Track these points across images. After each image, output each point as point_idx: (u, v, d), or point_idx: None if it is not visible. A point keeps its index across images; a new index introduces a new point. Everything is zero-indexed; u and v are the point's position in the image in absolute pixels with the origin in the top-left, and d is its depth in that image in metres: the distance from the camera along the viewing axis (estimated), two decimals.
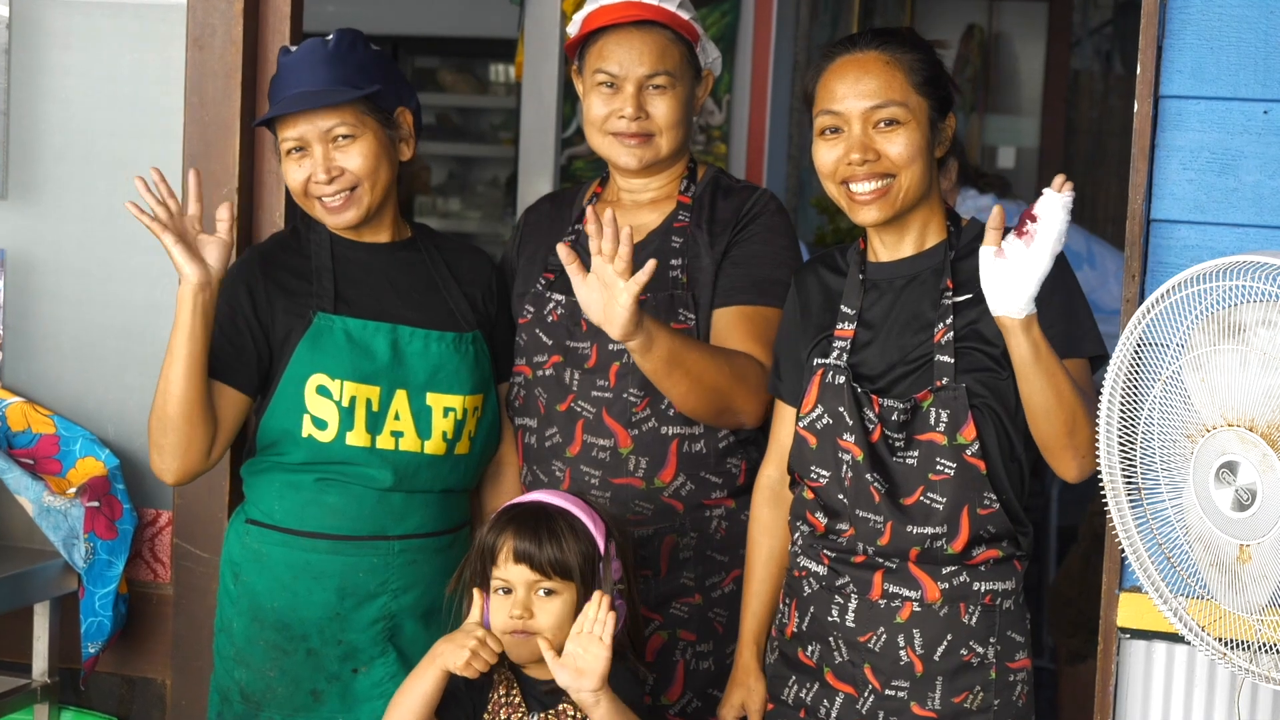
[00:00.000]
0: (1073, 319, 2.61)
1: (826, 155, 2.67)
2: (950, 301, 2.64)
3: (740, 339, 2.90)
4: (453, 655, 2.61)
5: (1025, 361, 2.46)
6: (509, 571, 2.66)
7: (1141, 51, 2.66)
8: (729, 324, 2.93)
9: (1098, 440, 2.41)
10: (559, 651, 2.61)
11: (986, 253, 2.41)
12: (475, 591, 2.69)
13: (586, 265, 2.69)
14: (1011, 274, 2.38)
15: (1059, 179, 2.39)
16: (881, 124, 2.63)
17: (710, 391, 2.82)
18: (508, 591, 2.67)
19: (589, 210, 2.66)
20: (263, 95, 3.23)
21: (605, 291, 2.62)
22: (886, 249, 2.73)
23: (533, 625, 2.64)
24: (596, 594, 2.62)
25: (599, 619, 2.59)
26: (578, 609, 2.66)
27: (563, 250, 2.65)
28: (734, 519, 2.98)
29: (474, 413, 2.98)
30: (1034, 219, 2.37)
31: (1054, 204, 2.37)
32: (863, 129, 2.63)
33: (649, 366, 2.75)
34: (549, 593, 2.66)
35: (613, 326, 2.63)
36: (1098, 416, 2.41)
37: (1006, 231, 2.42)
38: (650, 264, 2.59)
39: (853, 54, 2.67)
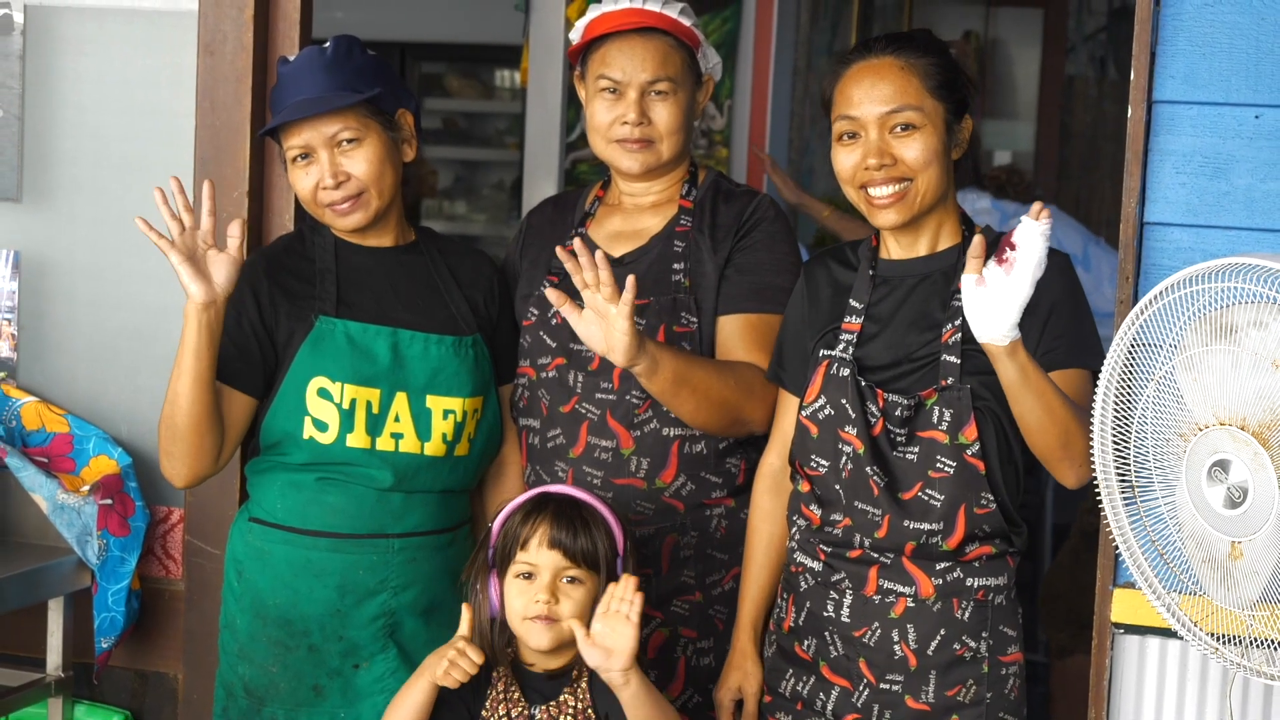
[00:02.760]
0: (1080, 330, 2.61)
1: (845, 161, 2.67)
2: (960, 304, 2.63)
3: (745, 347, 2.91)
4: (435, 666, 2.63)
5: (1014, 384, 2.45)
6: (539, 557, 2.66)
7: (1135, 57, 2.66)
8: (734, 332, 2.93)
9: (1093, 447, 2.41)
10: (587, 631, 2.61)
11: (968, 281, 2.40)
12: (465, 606, 2.68)
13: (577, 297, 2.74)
14: (993, 301, 2.37)
15: (1036, 206, 2.37)
16: (897, 128, 2.63)
17: (719, 406, 2.82)
18: (529, 577, 2.66)
19: (559, 250, 2.66)
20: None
21: (601, 321, 2.63)
22: (901, 248, 2.74)
23: (558, 611, 2.64)
24: (624, 576, 2.62)
25: (627, 598, 2.59)
26: (595, 600, 2.67)
27: (552, 294, 2.66)
28: (734, 518, 2.98)
29: (473, 415, 2.98)
30: (1013, 246, 2.36)
31: (1032, 232, 2.35)
32: (879, 134, 2.63)
33: (656, 388, 2.75)
34: (573, 580, 2.66)
35: (616, 353, 2.64)
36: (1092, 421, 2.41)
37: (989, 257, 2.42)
38: (630, 279, 2.60)
39: (868, 60, 2.67)
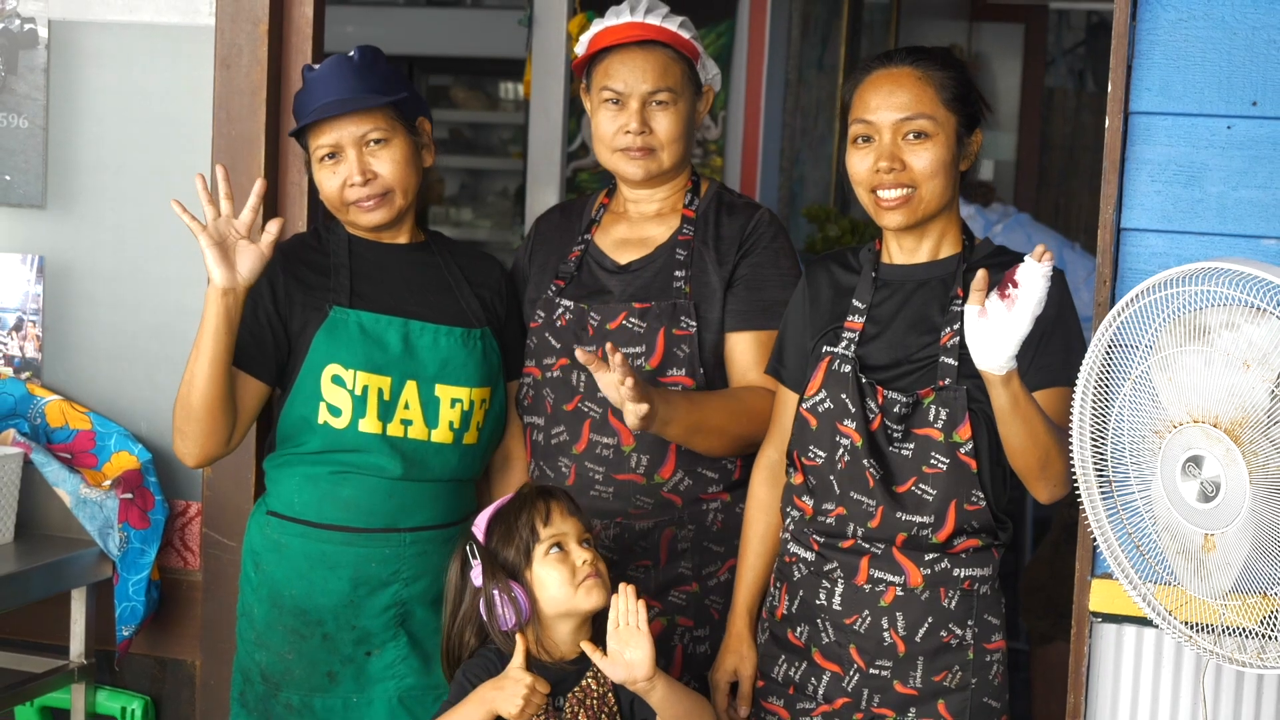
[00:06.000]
0: (1070, 351, 2.61)
1: (859, 164, 2.68)
2: (959, 309, 2.63)
3: (757, 365, 2.93)
4: (505, 703, 2.56)
5: (1004, 410, 2.47)
6: (565, 525, 2.66)
7: (1112, 70, 2.66)
8: (745, 350, 2.95)
9: (1072, 469, 2.41)
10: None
11: (971, 311, 2.40)
12: (519, 637, 2.63)
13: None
14: (993, 333, 2.38)
15: (1040, 249, 2.37)
16: (910, 136, 2.64)
17: (733, 439, 2.88)
18: (560, 548, 2.65)
19: (578, 353, 2.68)
20: (286, 112, 3.23)
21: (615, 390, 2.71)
22: (903, 253, 2.74)
23: (601, 567, 2.65)
24: (623, 586, 2.60)
25: (632, 609, 2.57)
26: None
27: (581, 354, 2.69)
28: (729, 512, 2.98)
29: (481, 405, 2.98)
30: (1015, 284, 2.36)
31: (1034, 272, 2.35)
32: (892, 139, 2.64)
33: (673, 438, 2.83)
34: (589, 544, 2.67)
35: (629, 421, 2.70)
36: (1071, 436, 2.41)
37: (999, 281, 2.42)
38: (631, 381, 2.63)
39: (887, 69, 2.67)
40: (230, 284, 2.72)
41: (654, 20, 2.97)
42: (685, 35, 2.99)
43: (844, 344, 2.71)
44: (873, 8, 7.86)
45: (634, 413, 2.66)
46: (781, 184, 6.87)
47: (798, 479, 2.75)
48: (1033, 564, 4.78)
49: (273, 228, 2.75)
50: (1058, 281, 2.61)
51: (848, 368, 2.68)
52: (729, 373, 2.97)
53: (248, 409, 2.89)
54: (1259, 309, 2.21)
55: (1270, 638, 2.26)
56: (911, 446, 2.63)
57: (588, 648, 2.60)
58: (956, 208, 2.74)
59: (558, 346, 2.99)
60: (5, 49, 3.43)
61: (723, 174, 6.37)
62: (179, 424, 2.83)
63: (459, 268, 3.06)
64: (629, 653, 2.56)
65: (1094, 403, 2.37)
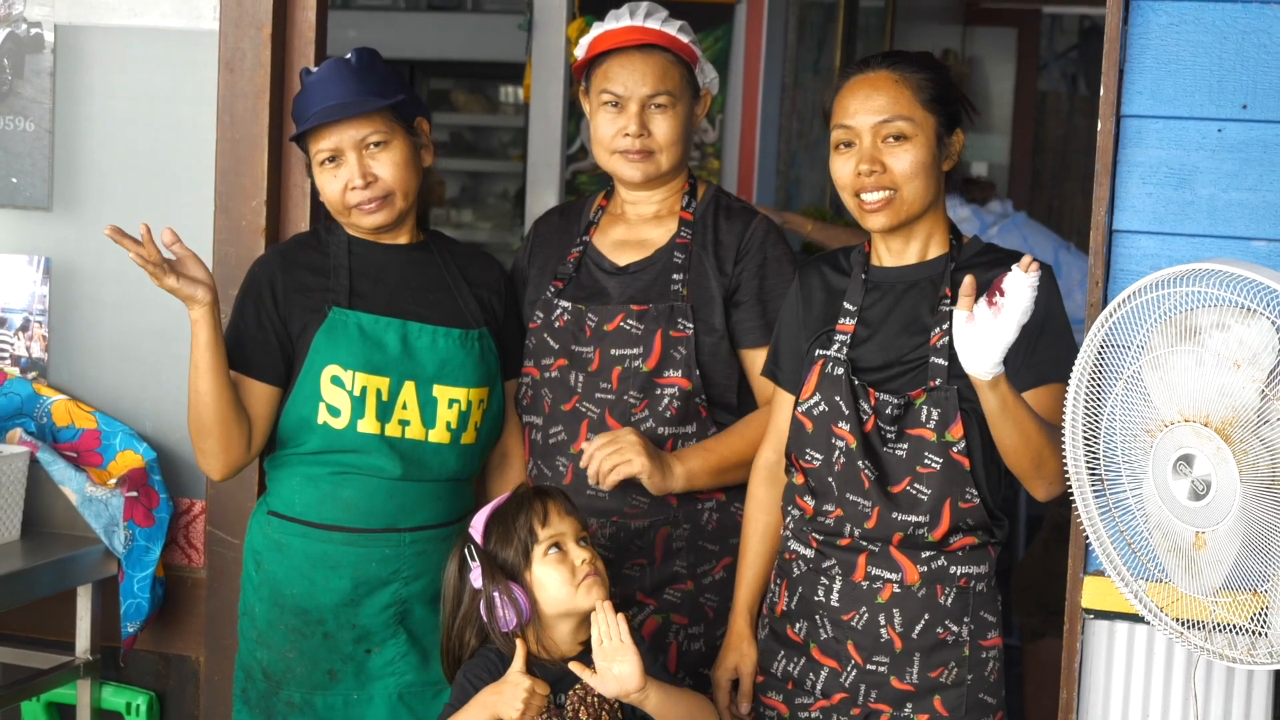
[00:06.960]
0: (1061, 347, 2.61)
1: (842, 169, 2.68)
2: (948, 309, 2.63)
3: None
4: (506, 707, 2.55)
5: (994, 413, 2.47)
6: (564, 525, 2.65)
7: (1104, 74, 2.66)
8: (759, 364, 2.95)
9: (1065, 467, 2.41)
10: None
11: (959, 316, 2.41)
12: (518, 641, 2.62)
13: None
14: (981, 338, 2.38)
15: (1026, 259, 2.38)
16: (890, 138, 2.64)
17: (749, 466, 2.91)
18: (559, 548, 2.64)
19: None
20: (289, 115, 3.23)
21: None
22: (891, 255, 2.74)
23: (600, 565, 2.64)
24: (600, 603, 2.59)
25: (612, 622, 2.56)
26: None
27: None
28: (724, 511, 2.98)
29: (479, 405, 2.98)
30: (1003, 293, 2.36)
31: (1021, 282, 2.35)
32: (872, 142, 2.64)
33: (704, 485, 2.91)
34: (586, 542, 2.67)
35: (649, 489, 2.84)
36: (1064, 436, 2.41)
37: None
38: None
39: (865, 74, 2.68)
40: (210, 294, 2.74)
41: (654, 24, 2.97)
42: (684, 39, 2.99)
43: (836, 347, 2.71)
44: (868, 12, 7.86)
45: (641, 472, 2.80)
46: (778, 186, 6.87)
47: (799, 479, 2.75)
48: (1025, 562, 4.78)
49: (166, 237, 2.72)
50: (1047, 279, 2.61)
51: (840, 370, 2.68)
52: (752, 387, 2.98)
53: (261, 414, 2.89)
54: (1249, 310, 2.21)
55: (1260, 634, 2.27)
56: (905, 447, 2.63)
57: (576, 668, 2.59)
58: (943, 207, 2.74)
59: (556, 347, 2.99)
60: (12, 53, 3.44)
61: (720, 176, 6.37)
62: (197, 443, 2.84)
63: (458, 267, 3.06)
64: (616, 667, 2.55)
65: (1086, 402, 2.38)
